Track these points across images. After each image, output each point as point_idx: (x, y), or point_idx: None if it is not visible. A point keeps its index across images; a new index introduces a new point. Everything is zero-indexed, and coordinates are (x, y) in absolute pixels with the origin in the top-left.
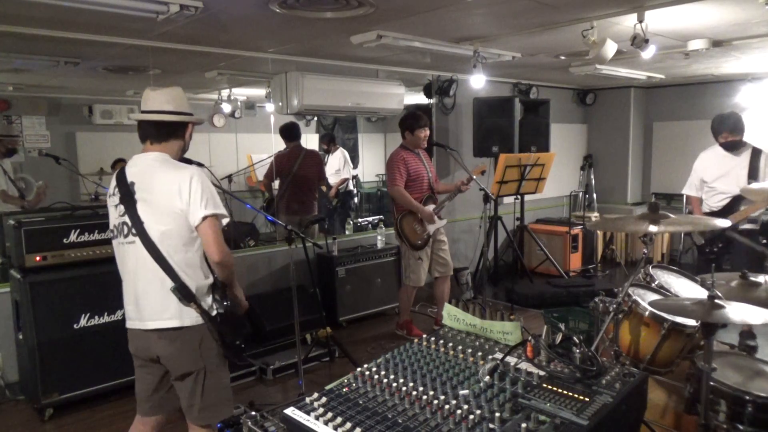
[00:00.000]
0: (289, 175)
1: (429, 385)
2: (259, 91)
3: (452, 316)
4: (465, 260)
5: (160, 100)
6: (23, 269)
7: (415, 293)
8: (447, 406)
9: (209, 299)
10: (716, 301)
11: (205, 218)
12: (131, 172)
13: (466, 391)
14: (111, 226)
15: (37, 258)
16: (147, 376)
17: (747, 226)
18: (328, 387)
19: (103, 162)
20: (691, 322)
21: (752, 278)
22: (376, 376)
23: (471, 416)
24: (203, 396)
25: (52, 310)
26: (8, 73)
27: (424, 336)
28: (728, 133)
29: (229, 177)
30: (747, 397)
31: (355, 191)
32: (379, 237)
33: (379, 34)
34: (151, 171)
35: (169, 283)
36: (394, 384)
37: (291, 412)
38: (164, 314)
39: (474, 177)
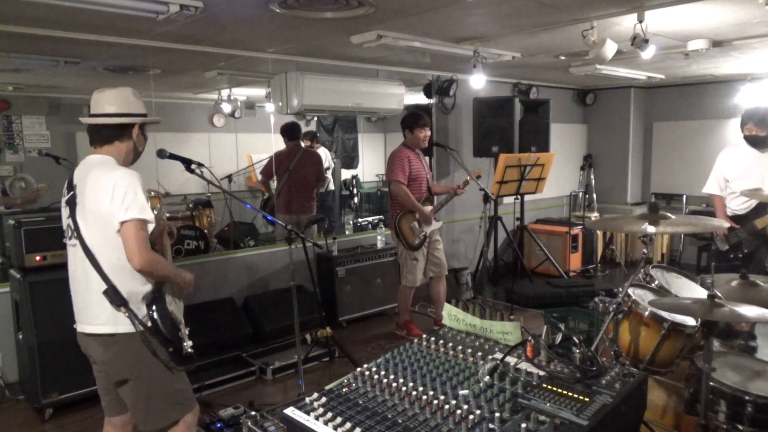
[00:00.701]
0: (287, 174)
1: (429, 385)
2: (259, 91)
3: (452, 316)
4: (465, 260)
5: (102, 103)
6: (23, 269)
7: (414, 293)
8: (447, 406)
9: (145, 307)
10: (716, 300)
11: (125, 222)
12: (76, 174)
13: (466, 391)
14: (64, 227)
15: (37, 258)
16: (98, 374)
17: None
18: (328, 387)
19: None
20: (691, 321)
21: (752, 278)
22: (376, 376)
23: (471, 416)
24: (148, 403)
25: (52, 310)
26: (8, 73)
27: (424, 336)
28: (753, 125)
29: (229, 177)
30: (747, 397)
31: (355, 191)
32: (379, 237)
33: (379, 34)
34: (88, 173)
35: (104, 287)
36: (394, 384)
37: (291, 412)
38: (98, 319)
39: (471, 179)
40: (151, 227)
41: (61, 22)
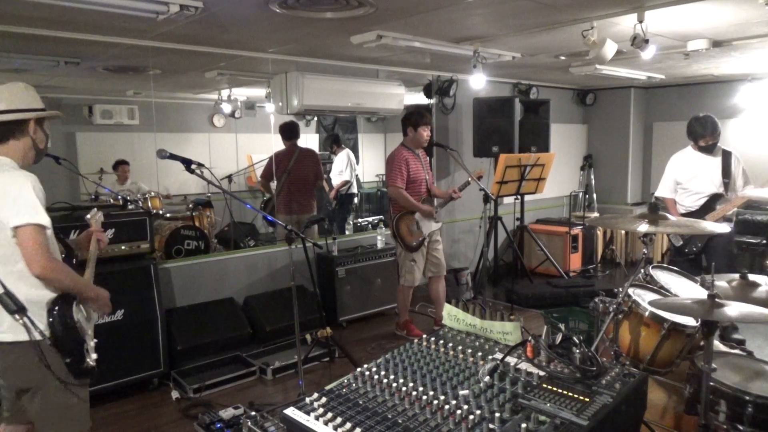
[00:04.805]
0: (286, 174)
1: (429, 385)
2: (259, 91)
3: (452, 316)
4: (465, 260)
5: None
6: None
7: (414, 293)
8: (447, 407)
9: (46, 314)
10: (716, 300)
11: (18, 227)
12: None
13: (466, 392)
14: None
15: None
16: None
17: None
18: (328, 387)
19: (103, 162)
20: (691, 321)
21: (752, 278)
22: (376, 377)
23: (471, 416)
24: (43, 413)
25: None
26: (8, 73)
27: (424, 336)
28: (710, 136)
29: (229, 177)
30: (747, 398)
31: (356, 192)
32: (379, 237)
33: (379, 34)
34: None
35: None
36: (394, 384)
37: (291, 412)
38: (1, 327)
39: (472, 179)
40: (49, 232)
41: (61, 22)
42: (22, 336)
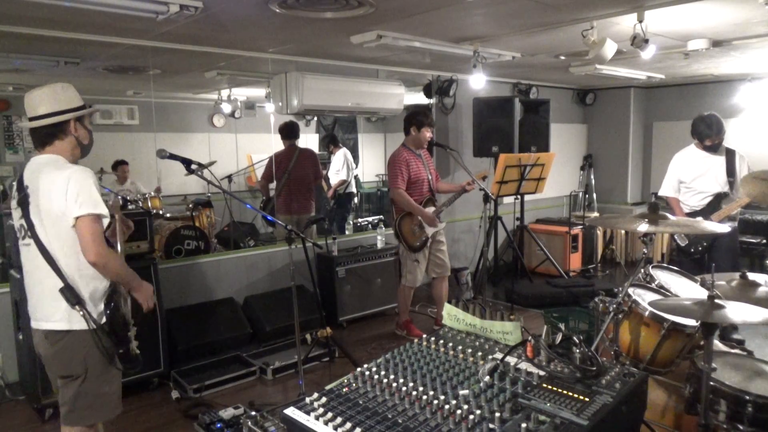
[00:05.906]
0: (286, 174)
1: (429, 385)
2: (259, 91)
3: (452, 316)
4: (465, 260)
5: (33, 105)
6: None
7: (414, 293)
8: (447, 406)
9: (102, 305)
10: (716, 301)
11: (79, 218)
12: (26, 175)
13: (466, 391)
14: (16, 227)
15: None
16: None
17: (726, 224)
18: (328, 387)
19: (103, 162)
20: (691, 322)
21: (752, 278)
22: (376, 376)
23: (471, 416)
24: (76, 399)
25: None
26: (8, 73)
27: (424, 336)
28: (716, 135)
29: (229, 177)
30: (747, 397)
31: (355, 191)
32: (379, 237)
33: (379, 34)
34: (39, 174)
35: (60, 286)
36: (394, 384)
37: (291, 412)
38: (54, 316)
39: (476, 181)
40: (106, 221)
41: (61, 22)
42: (77, 326)
